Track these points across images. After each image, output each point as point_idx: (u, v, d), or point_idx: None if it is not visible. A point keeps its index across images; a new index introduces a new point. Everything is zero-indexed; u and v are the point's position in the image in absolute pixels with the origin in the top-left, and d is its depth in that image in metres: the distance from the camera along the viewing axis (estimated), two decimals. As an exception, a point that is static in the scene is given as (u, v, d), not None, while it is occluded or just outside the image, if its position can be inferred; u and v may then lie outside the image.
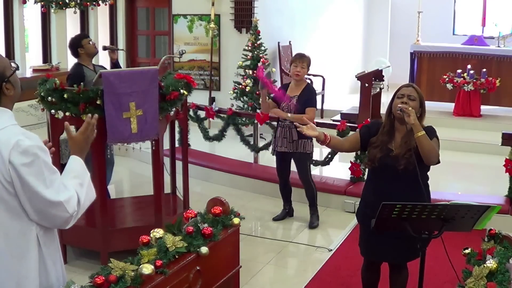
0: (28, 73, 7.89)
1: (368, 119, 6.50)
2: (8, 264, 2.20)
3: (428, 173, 3.53)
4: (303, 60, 5.36)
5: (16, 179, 2.14)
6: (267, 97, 5.45)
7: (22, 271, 2.21)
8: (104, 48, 5.67)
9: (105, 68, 5.50)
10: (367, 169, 3.62)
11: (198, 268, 3.08)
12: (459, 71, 9.34)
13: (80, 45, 5.44)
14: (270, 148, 5.82)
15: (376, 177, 3.47)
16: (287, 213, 5.77)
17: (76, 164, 2.39)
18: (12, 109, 2.30)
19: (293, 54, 9.75)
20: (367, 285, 3.76)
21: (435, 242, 3.05)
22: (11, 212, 2.18)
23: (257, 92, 8.63)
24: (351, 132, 5.83)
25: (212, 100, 9.25)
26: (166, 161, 5.16)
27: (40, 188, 2.16)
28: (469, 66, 9.34)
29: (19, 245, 2.21)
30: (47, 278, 2.30)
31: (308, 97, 5.33)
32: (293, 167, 5.60)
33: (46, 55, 9.12)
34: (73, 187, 2.29)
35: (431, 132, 3.36)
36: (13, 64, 2.30)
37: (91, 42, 5.49)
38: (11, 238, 2.19)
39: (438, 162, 3.42)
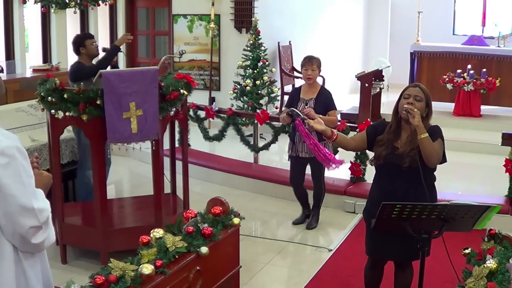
0: (28, 73, 7.87)
1: (368, 119, 6.50)
2: None
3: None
4: (312, 62, 5.33)
5: None
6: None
7: None
8: (104, 50, 5.68)
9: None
10: (374, 168, 3.62)
11: (198, 268, 3.08)
12: (459, 71, 9.34)
13: (83, 44, 5.46)
14: (288, 153, 5.50)
15: (382, 175, 3.49)
16: (307, 215, 5.65)
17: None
18: None
19: (293, 54, 9.82)
20: (370, 284, 3.76)
21: (435, 242, 3.05)
22: None
23: (257, 92, 8.64)
24: (352, 132, 5.84)
25: (212, 100, 9.25)
26: (166, 161, 5.16)
27: (15, 190, 2.07)
28: (469, 66, 9.34)
29: None
30: (27, 284, 2.17)
31: (328, 100, 5.31)
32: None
33: (46, 55, 9.11)
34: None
35: (436, 132, 3.38)
36: None
37: (94, 44, 5.51)
38: None
39: (445, 161, 3.45)
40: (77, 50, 5.51)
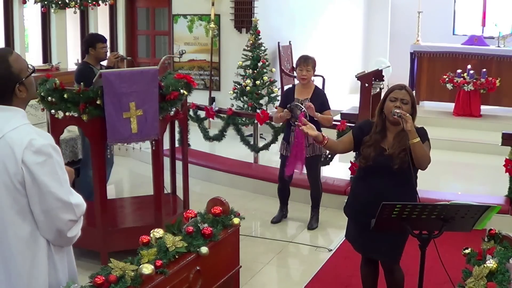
0: (28, 73, 7.91)
1: (368, 119, 6.49)
2: (19, 266, 2.19)
3: (428, 173, 3.54)
4: (307, 63, 5.35)
5: (28, 178, 2.13)
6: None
7: (32, 272, 2.21)
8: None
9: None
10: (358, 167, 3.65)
11: (198, 268, 3.08)
12: (459, 71, 9.34)
13: (93, 45, 5.46)
14: (280, 151, 5.54)
15: (370, 175, 3.49)
16: (284, 215, 5.77)
17: None
18: (25, 109, 2.29)
19: (293, 54, 9.82)
20: (365, 280, 3.79)
21: (436, 242, 3.05)
22: (23, 214, 2.18)
23: (257, 92, 8.64)
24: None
25: (212, 100, 9.25)
26: (166, 161, 5.16)
27: (54, 188, 2.16)
28: (469, 66, 9.34)
29: (30, 246, 2.20)
30: (56, 277, 2.30)
31: (323, 100, 5.34)
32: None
33: (46, 55, 9.12)
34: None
35: (423, 135, 3.40)
36: (30, 67, 2.29)
37: (104, 49, 5.51)
38: (23, 240, 2.18)
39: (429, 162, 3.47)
40: (86, 49, 5.51)
